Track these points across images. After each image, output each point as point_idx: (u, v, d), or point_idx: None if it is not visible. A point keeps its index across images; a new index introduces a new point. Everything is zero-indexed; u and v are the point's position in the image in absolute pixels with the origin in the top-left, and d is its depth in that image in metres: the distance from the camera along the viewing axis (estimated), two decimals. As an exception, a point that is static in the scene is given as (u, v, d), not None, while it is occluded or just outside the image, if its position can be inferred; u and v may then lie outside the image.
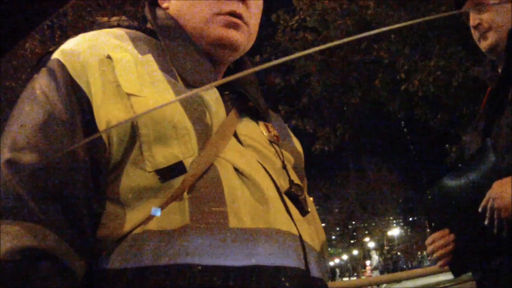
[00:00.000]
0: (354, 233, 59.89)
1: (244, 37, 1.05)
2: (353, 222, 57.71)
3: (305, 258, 0.89)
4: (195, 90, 0.91)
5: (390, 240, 57.13)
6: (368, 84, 8.20)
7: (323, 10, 7.21)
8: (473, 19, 1.80)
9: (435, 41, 7.24)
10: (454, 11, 1.84)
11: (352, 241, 61.21)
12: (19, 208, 0.77)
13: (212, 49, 1.05)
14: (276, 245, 0.84)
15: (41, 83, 0.89)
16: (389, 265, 35.89)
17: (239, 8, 1.03)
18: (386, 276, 9.20)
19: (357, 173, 47.99)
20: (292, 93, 8.87)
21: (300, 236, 0.90)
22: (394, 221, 57.11)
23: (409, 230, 59.12)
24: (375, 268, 27.85)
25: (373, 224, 56.01)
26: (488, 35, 1.77)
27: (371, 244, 57.07)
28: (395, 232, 56.64)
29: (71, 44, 0.94)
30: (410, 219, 58.95)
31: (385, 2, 7.40)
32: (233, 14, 1.03)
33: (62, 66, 0.89)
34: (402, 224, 59.22)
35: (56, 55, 0.92)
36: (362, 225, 57.56)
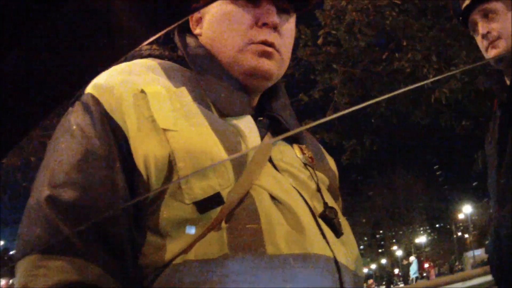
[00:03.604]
0: (382, 242, 59.22)
1: (276, 66, 1.04)
2: (381, 231, 57.13)
3: (340, 279, 0.90)
4: (246, 150, 0.94)
5: (418, 247, 56.36)
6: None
7: (351, 22, 7.12)
8: (483, 27, 1.73)
9: (459, 47, 7.17)
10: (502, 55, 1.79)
11: (380, 250, 60.55)
12: (62, 243, 0.79)
13: (245, 78, 1.03)
14: (312, 270, 0.86)
15: (76, 118, 0.90)
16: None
17: (270, 36, 1.02)
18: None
19: (383, 182, 47.67)
20: (316, 107, 8.84)
21: (335, 258, 0.91)
22: (421, 229, 56.38)
23: (436, 236, 58.34)
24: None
25: (400, 232, 55.34)
26: (498, 44, 1.70)
27: (399, 253, 56.35)
28: (422, 239, 55.90)
29: (103, 78, 0.94)
30: (437, 225, 58.18)
31: (405, 12, 7.35)
32: (265, 43, 1.01)
33: (96, 101, 0.90)
34: (429, 231, 58.43)
35: (89, 89, 0.93)
36: (389, 233, 56.90)
